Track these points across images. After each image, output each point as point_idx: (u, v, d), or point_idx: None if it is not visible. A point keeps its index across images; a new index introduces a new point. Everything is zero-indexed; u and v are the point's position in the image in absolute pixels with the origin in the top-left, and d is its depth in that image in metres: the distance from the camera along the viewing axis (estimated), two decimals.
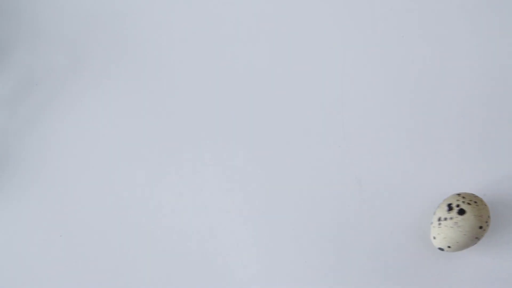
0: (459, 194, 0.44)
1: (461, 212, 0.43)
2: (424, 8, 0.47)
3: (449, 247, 0.44)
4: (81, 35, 0.47)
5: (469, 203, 0.43)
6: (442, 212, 0.43)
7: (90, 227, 0.46)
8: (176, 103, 0.46)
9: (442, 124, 0.46)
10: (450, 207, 0.43)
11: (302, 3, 0.47)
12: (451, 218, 0.43)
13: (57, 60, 0.47)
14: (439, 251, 0.45)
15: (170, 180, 0.46)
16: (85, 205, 0.46)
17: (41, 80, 0.47)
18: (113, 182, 0.46)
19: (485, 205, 0.43)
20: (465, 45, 0.47)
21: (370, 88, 0.46)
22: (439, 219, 0.43)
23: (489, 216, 0.43)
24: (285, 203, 0.46)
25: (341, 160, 0.46)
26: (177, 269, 0.46)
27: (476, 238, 0.43)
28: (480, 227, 0.43)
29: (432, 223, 0.44)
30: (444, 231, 0.43)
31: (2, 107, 0.46)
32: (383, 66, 0.46)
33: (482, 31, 0.47)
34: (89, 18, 0.47)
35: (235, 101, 0.46)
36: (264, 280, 0.45)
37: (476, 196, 0.44)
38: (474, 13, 0.47)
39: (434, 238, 0.44)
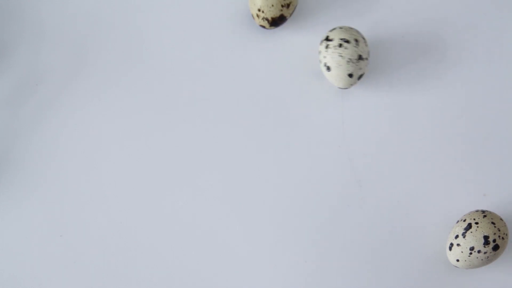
0: (483, 213, 0.44)
1: (496, 248, 0.43)
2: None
3: (457, 260, 0.44)
4: (84, 35, 0.47)
5: (503, 238, 0.43)
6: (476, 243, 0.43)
7: (90, 227, 0.46)
8: (180, 105, 0.46)
9: (445, 123, 0.46)
10: (486, 241, 0.43)
11: None
12: (484, 253, 0.43)
13: (59, 60, 0.47)
14: (441, 251, 0.45)
15: (171, 181, 0.46)
16: (86, 205, 0.46)
17: (42, 80, 0.46)
18: (114, 182, 0.46)
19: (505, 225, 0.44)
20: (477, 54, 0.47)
21: (371, 86, 0.46)
22: (472, 249, 0.43)
23: (506, 234, 0.43)
24: (285, 203, 0.46)
25: (341, 160, 0.46)
26: (178, 270, 0.46)
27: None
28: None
29: (452, 245, 0.44)
30: (470, 259, 0.43)
31: (3, 107, 0.46)
32: (384, 63, 0.47)
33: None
34: (92, 18, 0.47)
35: (235, 101, 0.47)
36: (264, 280, 0.46)
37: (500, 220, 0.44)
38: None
39: (458, 261, 0.44)
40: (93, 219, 0.46)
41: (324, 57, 0.44)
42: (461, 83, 0.46)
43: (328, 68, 0.44)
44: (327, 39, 0.44)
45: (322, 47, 0.44)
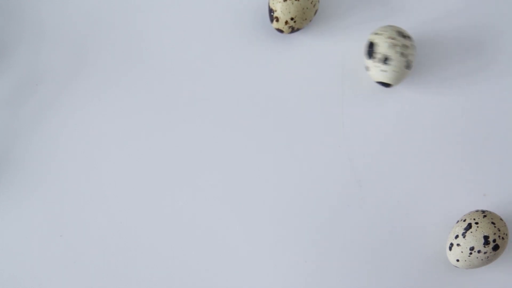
0: (484, 213, 0.44)
1: (496, 248, 0.43)
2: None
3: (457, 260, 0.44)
4: (84, 35, 0.47)
5: (503, 238, 0.43)
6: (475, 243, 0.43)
7: (90, 227, 0.46)
8: (180, 105, 0.47)
9: (445, 123, 0.46)
10: (487, 241, 0.43)
11: None
12: (484, 253, 0.43)
13: (59, 60, 0.47)
14: (441, 251, 0.45)
15: (172, 181, 0.46)
16: (86, 205, 0.46)
17: (42, 80, 0.47)
18: (114, 182, 0.46)
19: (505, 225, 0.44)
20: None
21: (372, 85, 0.47)
22: (472, 249, 0.43)
23: (506, 234, 0.43)
24: (285, 203, 0.46)
25: (341, 160, 0.46)
26: (178, 270, 0.46)
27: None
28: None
29: (452, 245, 0.44)
30: (470, 259, 0.43)
31: (3, 107, 0.46)
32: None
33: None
34: (92, 18, 0.47)
35: (235, 101, 0.47)
36: (264, 280, 0.46)
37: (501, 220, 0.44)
38: None
39: (458, 261, 0.44)
40: (93, 219, 0.46)
41: (412, 54, 0.44)
42: (461, 82, 0.46)
43: (408, 66, 0.44)
44: (406, 34, 0.44)
45: (408, 42, 0.44)
